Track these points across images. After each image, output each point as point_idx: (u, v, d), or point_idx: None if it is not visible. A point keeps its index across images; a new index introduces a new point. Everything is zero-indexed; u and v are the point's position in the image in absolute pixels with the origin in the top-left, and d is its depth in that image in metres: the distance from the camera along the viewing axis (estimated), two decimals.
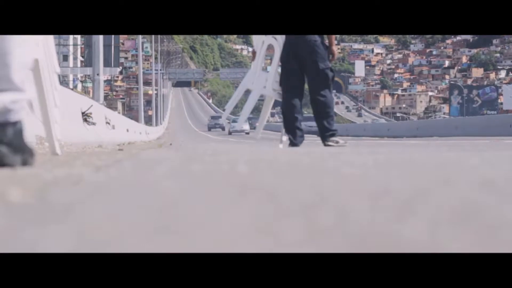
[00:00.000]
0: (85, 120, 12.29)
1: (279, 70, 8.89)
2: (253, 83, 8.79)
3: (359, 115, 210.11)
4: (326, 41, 8.73)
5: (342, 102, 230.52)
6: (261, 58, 8.89)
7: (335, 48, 8.66)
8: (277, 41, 8.67)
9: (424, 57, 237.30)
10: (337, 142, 8.60)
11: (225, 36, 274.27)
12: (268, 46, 8.93)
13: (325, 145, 8.62)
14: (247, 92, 9.22)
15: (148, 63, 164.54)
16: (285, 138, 9.08)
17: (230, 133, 56.47)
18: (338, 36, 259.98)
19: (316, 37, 8.54)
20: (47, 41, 4.68)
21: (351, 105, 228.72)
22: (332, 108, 8.67)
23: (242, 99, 10.02)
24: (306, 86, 8.81)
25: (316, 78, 8.54)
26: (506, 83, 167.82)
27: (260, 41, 8.90)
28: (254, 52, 9.02)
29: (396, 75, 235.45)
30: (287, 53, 8.62)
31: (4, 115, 3.09)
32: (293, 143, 8.59)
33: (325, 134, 8.60)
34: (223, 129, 75.75)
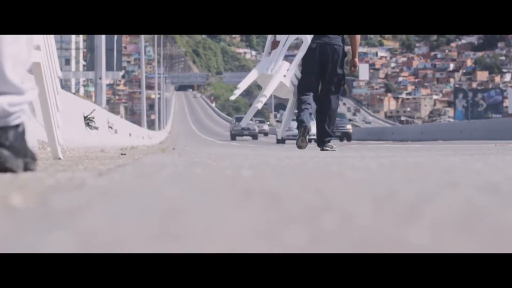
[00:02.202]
0: (87, 124, 12.30)
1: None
2: (271, 70, 8.77)
3: (354, 114, 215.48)
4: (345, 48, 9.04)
5: (344, 104, 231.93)
6: (285, 49, 8.89)
7: (357, 60, 9.07)
8: (307, 36, 8.76)
9: (429, 60, 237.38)
10: (331, 147, 8.83)
11: (228, 39, 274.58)
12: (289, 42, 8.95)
13: (321, 149, 8.77)
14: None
15: (150, 67, 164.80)
16: (281, 131, 9.40)
17: (282, 140, 33.50)
18: None
19: (341, 43, 8.83)
20: (49, 45, 4.68)
21: (352, 106, 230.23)
22: (336, 113, 8.94)
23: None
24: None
25: (331, 82, 8.82)
26: (511, 86, 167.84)
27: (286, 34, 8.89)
28: (276, 42, 8.97)
29: (400, 79, 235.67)
30: (311, 54, 8.79)
31: (4, 119, 3.06)
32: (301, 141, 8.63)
33: (324, 139, 8.82)
34: (255, 137, 53.79)
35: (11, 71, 3.08)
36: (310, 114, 8.72)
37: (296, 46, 9.23)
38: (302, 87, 8.84)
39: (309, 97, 8.73)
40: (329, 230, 1.26)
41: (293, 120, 9.32)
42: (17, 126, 3.11)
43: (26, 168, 3.11)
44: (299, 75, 8.93)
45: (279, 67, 8.79)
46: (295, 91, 8.97)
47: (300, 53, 8.82)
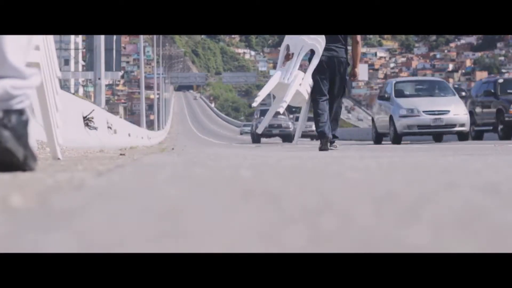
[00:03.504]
0: (86, 124, 12.30)
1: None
2: (288, 79, 9.46)
3: (348, 112, 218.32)
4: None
5: (342, 103, 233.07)
6: (299, 59, 9.62)
7: (358, 70, 10.04)
8: (320, 47, 9.55)
9: (428, 61, 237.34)
10: (335, 146, 9.70)
11: (227, 39, 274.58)
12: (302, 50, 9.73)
13: (326, 149, 9.35)
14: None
15: (150, 67, 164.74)
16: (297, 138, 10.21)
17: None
18: None
19: (345, 55, 9.80)
20: (48, 45, 4.68)
21: (350, 105, 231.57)
22: (340, 116, 9.98)
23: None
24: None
25: (340, 89, 9.80)
26: None
27: (299, 46, 9.66)
28: (289, 54, 9.71)
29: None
30: (321, 65, 9.60)
31: (7, 102, 3.06)
32: (324, 146, 9.36)
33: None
34: (287, 138, 36.36)
35: (12, 55, 3.09)
36: (329, 126, 9.54)
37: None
38: (316, 95, 9.62)
39: (325, 107, 9.65)
40: (329, 230, 1.26)
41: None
42: (21, 113, 3.10)
43: (25, 164, 3.09)
44: (311, 83, 9.68)
45: (294, 77, 9.44)
46: (308, 99, 9.73)
47: (314, 63, 9.51)
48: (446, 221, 1.39)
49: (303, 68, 9.83)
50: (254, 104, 9.53)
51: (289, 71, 9.49)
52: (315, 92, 9.66)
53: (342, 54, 9.77)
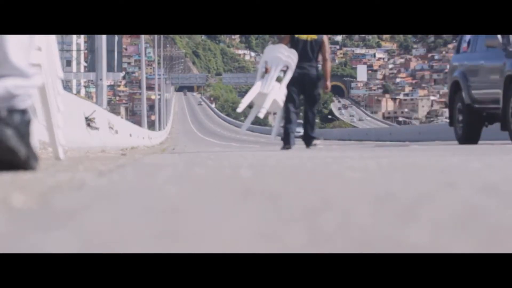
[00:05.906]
0: (88, 125, 12.30)
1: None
2: (267, 89, 10.82)
3: (339, 109, 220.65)
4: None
5: (339, 101, 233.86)
6: (276, 73, 10.96)
7: (329, 83, 11.47)
8: (293, 62, 10.90)
9: (426, 62, 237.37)
10: (315, 144, 11.27)
11: (227, 40, 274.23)
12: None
13: (307, 147, 11.14)
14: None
15: (151, 68, 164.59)
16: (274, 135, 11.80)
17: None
18: (340, 40, 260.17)
19: (315, 72, 11.21)
20: (50, 46, 4.68)
21: (346, 103, 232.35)
22: (315, 121, 11.49)
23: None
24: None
25: (312, 100, 11.27)
26: None
27: (275, 61, 11.01)
28: (268, 67, 11.05)
29: (398, 80, 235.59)
30: (292, 80, 10.95)
31: (10, 101, 3.06)
32: (286, 145, 10.92)
33: (308, 141, 11.21)
34: None
35: (14, 55, 3.09)
36: (293, 135, 11.13)
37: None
38: (288, 103, 11.03)
39: (294, 116, 11.16)
40: (328, 230, 1.26)
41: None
42: (24, 112, 3.10)
43: (27, 163, 3.09)
44: (286, 93, 11.08)
45: (272, 87, 10.84)
46: (282, 106, 11.21)
47: (288, 76, 10.90)
48: (445, 221, 1.39)
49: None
50: (239, 110, 11.11)
51: (267, 82, 10.89)
52: (287, 101, 11.09)
53: (312, 72, 11.19)
